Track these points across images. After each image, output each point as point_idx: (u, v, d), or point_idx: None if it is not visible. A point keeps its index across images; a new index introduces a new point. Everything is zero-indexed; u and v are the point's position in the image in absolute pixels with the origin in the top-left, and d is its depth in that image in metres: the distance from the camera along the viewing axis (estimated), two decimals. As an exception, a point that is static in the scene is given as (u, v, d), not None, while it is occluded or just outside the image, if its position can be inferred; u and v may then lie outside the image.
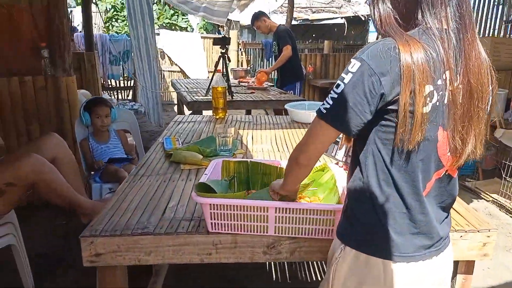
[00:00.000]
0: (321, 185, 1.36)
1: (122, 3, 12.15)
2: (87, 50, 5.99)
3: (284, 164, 1.45)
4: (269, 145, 2.10)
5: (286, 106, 2.68)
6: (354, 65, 0.79)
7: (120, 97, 7.81)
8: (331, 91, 0.83)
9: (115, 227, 1.20)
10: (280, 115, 4.63)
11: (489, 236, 1.23)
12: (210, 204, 1.13)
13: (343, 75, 0.81)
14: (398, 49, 0.77)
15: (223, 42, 3.51)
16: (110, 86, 7.64)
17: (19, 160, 1.74)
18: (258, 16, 4.48)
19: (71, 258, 2.40)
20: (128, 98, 7.84)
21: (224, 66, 3.52)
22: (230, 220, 1.14)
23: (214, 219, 1.15)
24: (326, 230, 1.13)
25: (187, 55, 8.02)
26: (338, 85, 0.81)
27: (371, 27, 11.14)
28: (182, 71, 8.14)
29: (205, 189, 1.17)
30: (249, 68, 5.59)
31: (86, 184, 2.49)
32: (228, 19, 6.58)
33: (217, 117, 2.66)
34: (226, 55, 3.55)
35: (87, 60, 5.84)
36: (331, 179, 1.35)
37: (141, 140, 2.84)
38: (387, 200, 0.85)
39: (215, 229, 1.16)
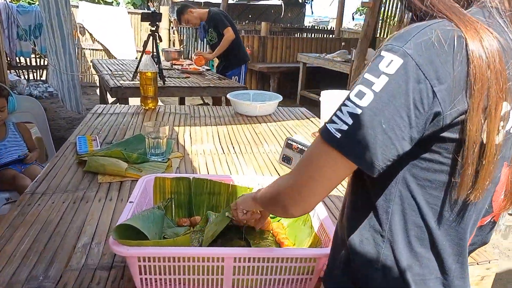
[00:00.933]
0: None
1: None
2: (-14, 22, 5.08)
3: (237, 180, 1.12)
4: (211, 144, 1.75)
5: (229, 96, 2.32)
6: (391, 62, 0.47)
7: (31, 77, 6.83)
8: (348, 102, 0.50)
9: (-12, 291, 0.79)
10: (219, 104, 4.29)
11: (488, 269, 1.02)
12: (139, 257, 0.76)
13: (370, 76, 0.49)
14: (464, 38, 0.46)
15: (153, 18, 3.04)
16: (19, 64, 6.64)
17: None
18: (183, 10, 3.97)
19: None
20: (42, 79, 6.88)
21: (154, 46, 3.05)
22: (170, 274, 0.79)
23: (146, 274, 0.79)
24: (301, 279, 0.83)
25: (111, 32, 7.23)
26: (361, 94, 0.49)
27: (308, 11, 11.04)
28: (106, 50, 7.35)
29: (128, 231, 0.80)
30: (182, 49, 5.10)
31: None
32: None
33: (146, 107, 2.22)
34: (157, 34, 3.09)
35: (-13, 34, 4.94)
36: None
37: (50, 133, 2.32)
38: (419, 263, 0.56)
39: (147, 287, 0.80)
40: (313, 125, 2.14)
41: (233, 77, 4.12)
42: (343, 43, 6.77)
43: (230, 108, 2.40)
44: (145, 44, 3.10)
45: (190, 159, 1.57)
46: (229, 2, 6.24)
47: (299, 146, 1.29)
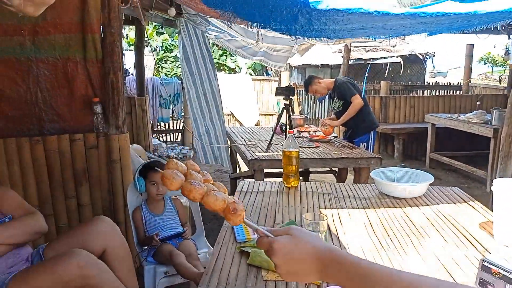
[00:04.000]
0: None
1: (172, 44, 12.42)
2: (138, 95, 5.91)
3: None
4: (364, 234, 1.64)
5: (371, 175, 2.22)
6: None
7: (168, 139, 7.67)
8: None
9: None
10: (344, 173, 4.22)
11: None
12: None
13: None
14: None
15: (287, 92, 3.17)
16: (158, 129, 7.53)
17: (63, 262, 1.41)
18: (311, 81, 4.13)
19: None
20: (177, 141, 7.67)
21: (288, 119, 3.15)
22: None
23: None
24: None
25: (236, 97, 7.82)
26: None
27: (429, 66, 10.57)
28: (231, 114, 7.93)
29: None
30: (307, 115, 5.22)
31: (137, 264, 2.13)
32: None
33: (289, 186, 2.24)
34: (290, 107, 3.19)
35: (138, 105, 5.74)
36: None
37: (200, 210, 2.47)
38: None
39: None
40: (475, 213, 1.89)
41: (361, 144, 4.02)
42: (478, 102, 6.19)
43: (373, 186, 2.28)
44: (279, 117, 3.23)
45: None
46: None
47: (500, 270, 1.10)
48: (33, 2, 0.99)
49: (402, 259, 1.44)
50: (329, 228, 1.71)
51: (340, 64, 6.92)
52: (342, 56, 6.61)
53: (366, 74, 6.83)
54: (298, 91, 8.19)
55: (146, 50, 6.16)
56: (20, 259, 1.62)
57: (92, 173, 2.72)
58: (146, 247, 2.23)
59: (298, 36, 2.28)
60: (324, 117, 4.62)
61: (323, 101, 7.49)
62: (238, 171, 4.75)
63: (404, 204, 2.01)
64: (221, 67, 12.31)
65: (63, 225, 2.70)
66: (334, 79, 4.19)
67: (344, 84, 4.01)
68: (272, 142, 3.26)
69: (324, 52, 8.26)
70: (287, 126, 3.29)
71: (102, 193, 2.74)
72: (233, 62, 12.41)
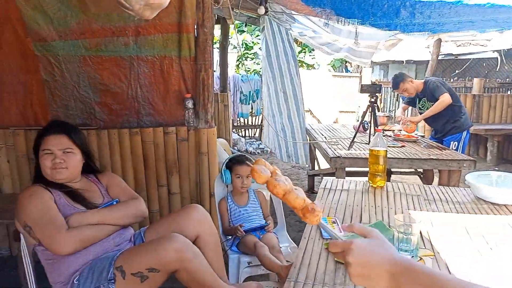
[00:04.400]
0: None
1: (252, 42, 12.68)
2: (221, 91, 6.14)
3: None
4: (460, 241, 1.55)
5: (467, 178, 2.08)
6: None
7: (247, 134, 7.88)
8: None
9: None
10: (431, 175, 4.01)
11: None
12: None
13: None
14: None
15: (373, 89, 3.08)
16: (238, 124, 7.77)
17: (163, 245, 1.54)
18: (404, 78, 3.94)
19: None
20: (255, 136, 7.85)
21: (372, 117, 3.07)
22: None
23: None
24: None
25: (315, 94, 7.77)
26: None
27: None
28: (309, 111, 7.89)
29: None
30: (390, 113, 5.03)
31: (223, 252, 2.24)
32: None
33: (375, 186, 2.18)
34: (376, 105, 3.10)
35: (221, 100, 5.98)
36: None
37: (282, 204, 2.52)
38: None
39: None
40: None
41: (451, 143, 3.78)
42: None
43: (467, 190, 2.14)
44: (364, 114, 3.15)
45: (442, 260, 1.41)
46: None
47: None
48: (151, 7, 1.09)
49: (503, 271, 1.34)
50: (420, 231, 1.64)
51: (426, 60, 6.52)
52: (430, 52, 6.21)
53: (457, 71, 6.35)
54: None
55: (231, 46, 6.37)
56: (125, 239, 1.80)
57: (182, 164, 2.90)
58: (230, 237, 2.34)
59: (397, 31, 2.21)
60: (407, 117, 4.44)
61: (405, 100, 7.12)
62: (316, 168, 4.73)
63: (505, 211, 1.86)
64: (300, 64, 12.29)
65: (155, 211, 2.93)
66: (424, 80, 4.01)
67: (434, 84, 3.83)
68: (354, 140, 3.19)
69: (409, 48, 7.83)
70: (371, 124, 3.20)
71: (190, 183, 2.92)
72: (312, 58, 12.30)
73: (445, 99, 3.68)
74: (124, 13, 2.50)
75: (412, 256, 1.40)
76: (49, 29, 2.67)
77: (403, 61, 8.88)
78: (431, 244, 1.53)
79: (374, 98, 3.11)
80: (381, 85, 3.23)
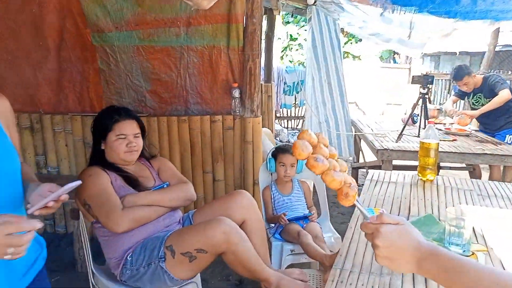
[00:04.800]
0: None
1: (298, 33, 12.57)
2: (265, 81, 6.16)
3: None
4: (516, 238, 1.48)
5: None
6: None
7: (290, 125, 7.86)
8: None
9: None
10: (477, 172, 3.83)
11: None
12: None
13: None
14: None
15: (425, 80, 2.98)
16: (281, 115, 7.77)
17: (212, 227, 1.60)
18: (470, 71, 3.80)
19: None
20: (297, 127, 7.82)
21: (423, 110, 2.96)
22: None
23: None
24: None
25: (361, 86, 7.60)
26: None
27: None
28: (354, 103, 7.74)
29: None
30: (441, 106, 4.82)
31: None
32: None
33: (425, 179, 2.12)
34: (427, 97, 2.99)
35: (265, 91, 5.99)
36: None
37: (326, 195, 2.52)
38: None
39: None
40: None
41: (507, 137, 3.60)
42: None
43: (525, 187, 2.03)
44: (414, 106, 3.05)
45: (496, 256, 1.36)
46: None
47: None
48: (209, -3, 1.13)
49: None
50: (472, 226, 1.58)
51: (482, 52, 6.17)
52: (486, 43, 5.86)
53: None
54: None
55: (276, 37, 6.36)
56: (174, 221, 1.89)
57: (227, 152, 2.97)
58: (273, 225, 2.37)
59: (457, 19, 2.11)
60: (459, 110, 4.26)
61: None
62: (361, 161, 4.65)
63: None
64: (346, 55, 12.03)
65: (200, 196, 3.02)
66: (483, 76, 3.85)
67: (493, 77, 3.70)
68: (403, 133, 3.11)
69: (463, 38, 7.43)
70: (421, 117, 3.10)
71: (234, 171, 2.98)
72: (358, 49, 11.99)
73: (505, 94, 3.56)
74: (176, 4, 2.58)
75: (464, 251, 1.36)
76: (107, 20, 2.81)
77: (456, 52, 8.45)
78: (484, 240, 1.48)
79: (426, 89, 3.00)
80: (433, 76, 3.10)
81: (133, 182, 1.83)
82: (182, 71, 2.93)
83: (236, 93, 2.86)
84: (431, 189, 2.02)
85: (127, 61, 2.94)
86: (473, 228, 1.56)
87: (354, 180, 0.98)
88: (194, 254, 1.58)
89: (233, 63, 2.87)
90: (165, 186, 1.92)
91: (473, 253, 1.36)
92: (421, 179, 2.14)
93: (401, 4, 1.78)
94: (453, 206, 1.80)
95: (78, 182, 1.09)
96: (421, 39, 4.19)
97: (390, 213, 1.71)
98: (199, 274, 1.79)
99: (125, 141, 1.81)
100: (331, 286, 1.19)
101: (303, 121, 7.56)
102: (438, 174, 2.17)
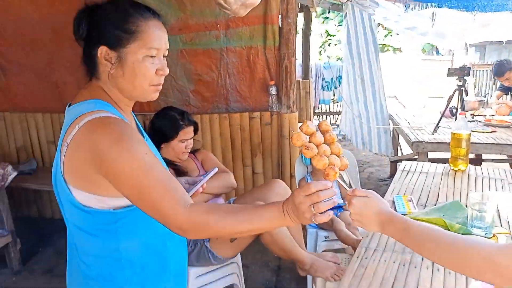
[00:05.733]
0: None
1: (337, 29, 12.50)
2: (303, 78, 6.26)
3: None
4: (543, 223, 1.54)
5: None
6: None
7: (329, 121, 7.90)
8: None
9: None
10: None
11: None
12: None
13: None
14: None
15: (461, 72, 2.98)
16: (319, 111, 7.83)
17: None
18: (511, 66, 3.72)
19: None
20: (336, 122, 7.85)
21: (460, 101, 2.98)
22: None
23: None
24: None
25: (401, 79, 7.49)
26: None
27: None
28: (395, 97, 7.65)
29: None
30: (484, 97, 4.71)
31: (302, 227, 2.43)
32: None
33: (456, 169, 2.18)
34: (463, 88, 3.00)
35: (303, 88, 6.09)
36: None
37: (360, 183, 2.62)
38: None
39: None
40: None
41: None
42: None
43: (560, 176, 2.04)
44: (450, 98, 3.07)
45: (520, 239, 1.43)
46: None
47: None
48: (245, 6, 1.29)
49: None
50: (498, 211, 1.65)
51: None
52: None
53: None
54: (475, 71, 7.33)
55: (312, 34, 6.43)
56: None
57: (265, 146, 3.14)
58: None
59: (476, 12, 2.14)
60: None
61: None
62: (400, 154, 4.66)
63: None
64: (386, 48, 11.82)
65: (240, 188, 3.21)
66: None
67: None
68: (440, 125, 3.13)
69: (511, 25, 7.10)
70: (458, 109, 3.10)
71: (272, 164, 3.15)
72: (399, 41, 11.75)
73: None
74: (216, 9, 2.78)
75: (486, 234, 1.44)
76: (153, 27, 3.06)
77: (502, 42, 8.08)
78: (508, 224, 1.54)
79: (462, 81, 3.00)
80: (469, 68, 3.08)
81: (182, 174, 2.04)
82: (222, 71, 3.13)
83: (273, 91, 3.01)
84: (462, 178, 2.08)
85: (171, 63, 3.17)
86: (498, 213, 1.63)
87: (345, 162, 1.10)
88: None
89: (270, 62, 3.03)
90: (212, 173, 2.12)
91: (494, 235, 1.44)
92: (452, 169, 2.20)
93: (421, 1, 1.84)
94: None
95: (215, 169, 1.34)
96: (458, 31, 4.12)
97: (418, 201, 1.81)
98: (239, 255, 1.98)
99: (185, 143, 2.03)
100: (356, 262, 1.33)
101: (340, 116, 7.59)
102: (480, 166, 2.22)
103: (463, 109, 3.00)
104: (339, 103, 7.63)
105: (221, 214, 0.88)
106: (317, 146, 1.03)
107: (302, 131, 0.95)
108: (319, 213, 0.85)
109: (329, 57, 12.02)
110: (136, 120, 1.14)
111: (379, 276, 1.23)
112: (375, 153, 5.71)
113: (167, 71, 0.99)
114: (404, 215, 1.62)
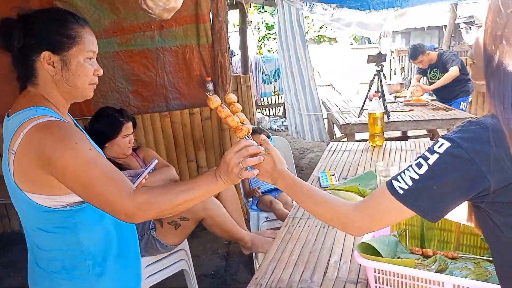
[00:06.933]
0: None
1: (273, 22, 12.81)
2: (243, 73, 6.46)
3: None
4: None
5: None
6: None
7: (271, 113, 8.18)
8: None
9: (278, 284, 1.18)
10: (435, 136, 4.20)
11: None
12: (375, 268, 1.01)
13: None
14: None
15: (379, 59, 3.31)
16: (262, 104, 8.08)
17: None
18: (424, 50, 4.17)
19: (230, 277, 2.57)
20: (279, 114, 8.15)
21: (379, 85, 3.30)
22: (397, 288, 1.00)
23: (380, 283, 1.03)
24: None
25: (336, 68, 7.93)
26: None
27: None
28: (330, 85, 8.07)
29: (368, 250, 1.06)
30: (404, 81, 5.17)
31: (245, 210, 2.62)
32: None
33: (374, 145, 2.48)
34: (382, 73, 3.33)
35: (243, 82, 6.28)
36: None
37: (294, 167, 2.86)
38: None
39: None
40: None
41: (461, 104, 4.00)
42: None
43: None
44: (371, 83, 3.38)
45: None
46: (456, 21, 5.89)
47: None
48: (167, 10, 1.43)
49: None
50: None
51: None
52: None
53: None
54: (401, 56, 7.93)
55: (249, 29, 6.61)
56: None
57: (207, 140, 3.29)
58: (251, 199, 2.71)
59: (371, 10, 2.43)
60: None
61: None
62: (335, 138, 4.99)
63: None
64: (321, 39, 12.35)
65: (188, 182, 3.34)
66: (438, 52, 4.23)
67: (446, 54, 4.11)
68: (365, 108, 3.45)
69: (431, 12, 7.78)
70: (379, 92, 3.43)
71: (215, 156, 3.31)
72: (334, 32, 12.32)
73: (454, 71, 3.94)
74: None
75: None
76: (86, 30, 3.09)
77: (424, 28, 8.81)
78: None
79: (380, 67, 3.33)
80: (386, 54, 3.43)
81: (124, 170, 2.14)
82: (159, 71, 3.23)
83: (210, 86, 3.17)
84: (379, 152, 2.37)
85: (109, 65, 3.22)
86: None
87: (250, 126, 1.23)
88: (179, 222, 1.91)
89: (205, 59, 3.18)
90: (153, 164, 2.24)
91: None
92: (372, 145, 2.49)
93: (325, 1, 2.08)
94: (393, 163, 2.15)
95: (155, 161, 1.43)
96: (378, 21, 4.50)
97: (340, 174, 2.06)
98: (186, 241, 2.12)
99: (128, 139, 2.12)
100: (284, 229, 1.54)
101: (284, 107, 7.90)
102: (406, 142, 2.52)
103: (382, 92, 3.33)
104: (281, 95, 7.92)
105: (160, 190, 0.98)
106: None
107: (211, 107, 1.05)
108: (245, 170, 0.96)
109: (269, 51, 12.33)
110: (74, 120, 1.23)
111: (302, 238, 1.44)
112: (315, 140, 6.04)
113: (101, 71, 1.11)
114: (327, 187, 1.86)
